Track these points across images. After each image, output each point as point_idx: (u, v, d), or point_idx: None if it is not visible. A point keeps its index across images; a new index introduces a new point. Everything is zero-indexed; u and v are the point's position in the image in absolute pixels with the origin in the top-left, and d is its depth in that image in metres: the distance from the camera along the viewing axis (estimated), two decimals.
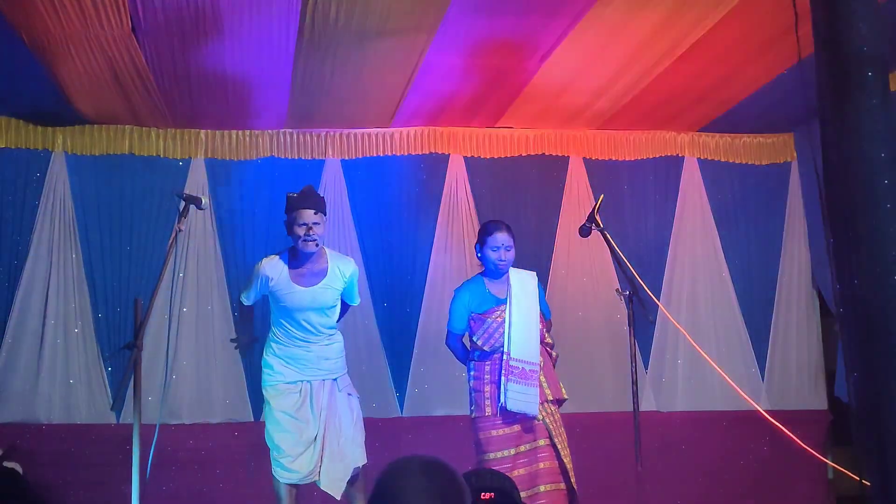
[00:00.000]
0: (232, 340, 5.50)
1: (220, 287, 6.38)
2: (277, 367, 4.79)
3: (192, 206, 4.36)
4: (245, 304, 5.02)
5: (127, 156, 6.37)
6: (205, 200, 4.46)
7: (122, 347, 4.04)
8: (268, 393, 4.79)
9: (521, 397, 4.80)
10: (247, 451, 6.04)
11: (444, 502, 2.10)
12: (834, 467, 6.36)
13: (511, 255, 4.98)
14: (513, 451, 4.84)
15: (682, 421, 6.64)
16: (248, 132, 6.50)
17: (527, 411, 4.80)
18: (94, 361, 6.20)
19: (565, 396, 4.98)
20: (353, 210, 6.58)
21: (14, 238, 6.20)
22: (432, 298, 6.57)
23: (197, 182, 6.43)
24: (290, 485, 4.71)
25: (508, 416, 4.84)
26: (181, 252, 6.33)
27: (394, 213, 6.60)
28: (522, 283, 5.00)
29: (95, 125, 6.32)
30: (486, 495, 2.52)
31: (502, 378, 4.82)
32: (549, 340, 5.04)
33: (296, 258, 4.81)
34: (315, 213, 4.73)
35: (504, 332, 4.88)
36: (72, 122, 6.24)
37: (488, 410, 4.87)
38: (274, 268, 4.79)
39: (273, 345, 4.85)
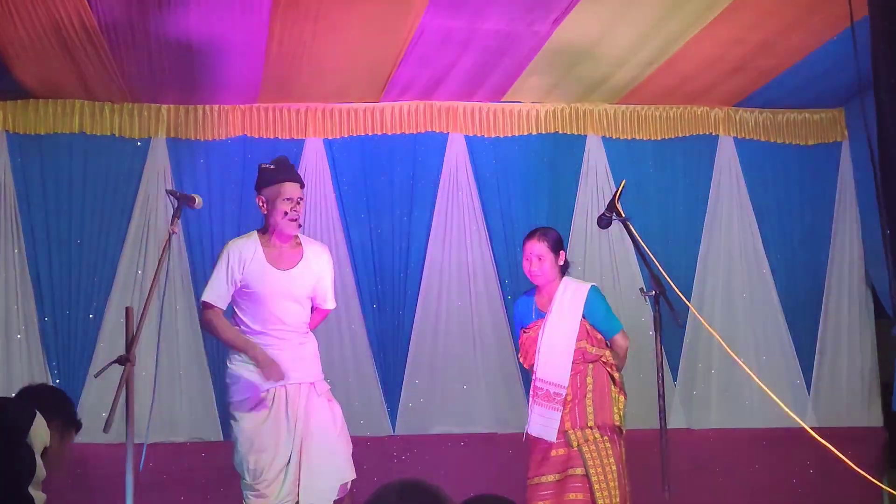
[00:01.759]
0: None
1: (185, 284, 6.37)
2: (246, 377, 4.75)
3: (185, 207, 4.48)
4: (212, 306, 4.82)
5: (77, 135, 6.37)
6: (199, 200, 4.56)
7: (112, 362, 4.12)
8: (235, 409, 4.76)
9: (542, 421, 4.97)
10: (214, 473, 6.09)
11: None
12: (890, 493, 6.37)
13: (544, 265, 5.07)
14: (548, 479, 4.96)
15: (715, 440, 6.66)
16: (216, 107, 6.50)
17: (545, 437, 4.95)
18: (40, 372, 6.19)
19: (617, 423, 5.01)
20: (338, 198, 6.58)
21: None
22: (429, 299, 6.58)
23: (157, 165, 6.43)
24: None
25: (544, 441, 4.98)
26: (139, 246, 6.34)
27: (384, 202, 6.60)
28: (568, 296, 5.08)
29: (40, 100, 6.32)
30: None
31: (530, 400, 5.06)
32: (608, 360, 5.07)
33: (268, 239, 4.83)
34: (301, 188, 4.81)
35: (537, 349, 5.03)
36: (13, 95, 6.24)
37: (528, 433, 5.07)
38: (247, 247, 4.80)
39: (235, 352, 4.82)
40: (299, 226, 4.82)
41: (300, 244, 4.91)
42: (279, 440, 4.67)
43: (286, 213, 4.74)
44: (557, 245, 5.14)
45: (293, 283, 4.82)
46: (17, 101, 6.29)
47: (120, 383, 4.05)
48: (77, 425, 3.78)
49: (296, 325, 4.85)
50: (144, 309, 4.24)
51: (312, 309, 5.01)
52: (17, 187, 6.30)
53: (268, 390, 4.72)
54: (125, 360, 4.10)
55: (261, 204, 4.84)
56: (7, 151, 6.31)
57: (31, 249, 6.28)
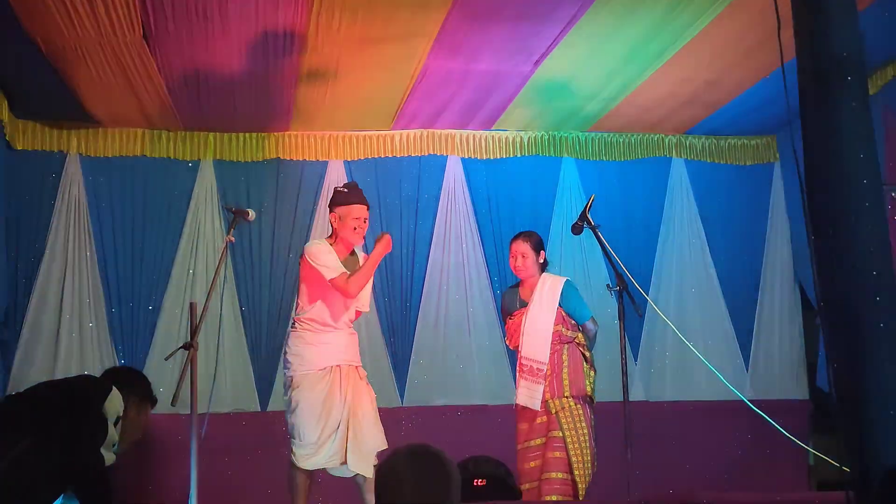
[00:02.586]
0: None
1: (229, 283, 6.36)
2: (308, 356, 4.68)
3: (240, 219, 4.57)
4: (343, 276, 4.60)
5: (139, 158, 6.36)
6: (252, 213, 4.63)
7: (179, 347, 4.17)
8: (296, 381, 4.67)
9: (527, 392, 4.98)
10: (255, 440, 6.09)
11: (430, 487, 2.19)
12: (815, 454, 6.36)
13: (527, 262, 5.06)
14: (535, 443, 4.97)
15: (670, 410, 6.65)
16: (254, 135, 6.49)
17: (531, 406, 4.95)
18: (108, 354, 6.18)
19: (589, 393, 5.01)
20: None
21: (31, 237, 6.18)
22: (430, 293, 6.58)
23: (206, 182, 6.43)
24: (307, 474, 4.63)
25: (531, 410, 4.97)
26: (191, 250, 6.34)
27: (394, 212, 6.59)
28: (546, 288, 5.08)
29: (108, 128, 6.31)
30: (478, 482, 2.55)
31: (517, 375, 5.07)
32: (579, 341, 5.07)
33: (334, 248, 4.75)
34: (367, 209, 4.80)
35: (520, 333, 5.04)
36: (86, 125, 6.23)
37: (516, 405, 5.07)
38: (329, 247, 4.73)
39: (304, 333, 4.73)
40: (363, 239, 4.81)
41: (356, 254, 4.89)
42: (332, 411, 4.62)
43: (355, 229, 4.72)
44: (538, 245, 5.13)
45: None
46: (89, 129, 6.28)
47: (184, 364, 4.09)
48: (153, 400, 3.78)
49: (349, 320, 4.83)
50: (206, 304, 4.27)
51: None
52: (89, 201, 6.29)
53: (325, 367, 4.67)
54: (189, 345, 4.15)
55: (333, 219, 4.77)
56: (81, 171, 6.30)
57: (100, 253, 6.27)
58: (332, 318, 4.74)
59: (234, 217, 4.57)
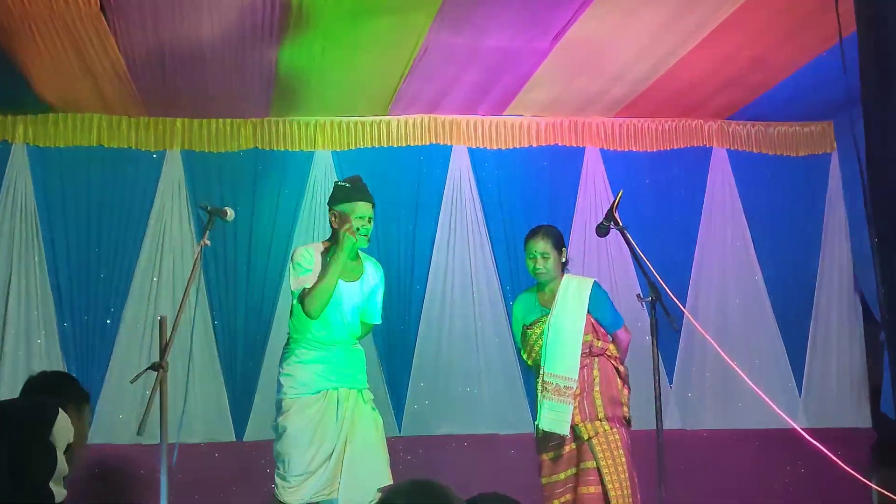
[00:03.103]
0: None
1: (200, 294, 6.37)
2: (300, 377, 4.72)
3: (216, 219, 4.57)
4: (306, 287, 4.65)
5: (95, 147, 6.38)
6: (230, 212, 4.65)
7: (146, 368, 4.16)
8: (286, 405, 4.70)
9: (553, 416, 4.86)
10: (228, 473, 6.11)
11: None
12: (879, 492, 6.35)
13: (549, 263, 5.02)
14: (562, 476, 4.92)
15: (710, 440, 6.65)
16: (228, 121, 6.51)
17: (558, 430, 4.85)
18: None
19: (626, 415, 4.98)
20: None
21: None
22: (433, 304, 6.58)
23: (173, 176, 6.45)
24: None
25: (556, 437, 4.90)
26: (155, 254, 6.36)
27: (390, 211, 6.60)
28: (571, 291, 5.03)
29: (60, 113, 6.33)
30: None
31: (538, 395, 4.93)
32: (611, 353, 5.04)
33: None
34: (372, 207, 4.82)
35: (543, 344, 4.96)
36: (34, 110, 6.25)
37: (538, 431, 4.96)
38: (316, 253, 4.76)
39: (297, 351, 4.77)
40: (368, 241, 4.83)
41: (361, 260, 4.91)
42: (324, 439, 4.65)
43: (358, 230, 4.75)
44: (560, 242, 5.09)
45: (353, 295, 4.81)
46: (38, 115, 6.31)
47: (153, 388, 4.09)
48: (86, 398, 3.69)
49: (349, 334, 4.83)
50: (177, 318, 4.27)
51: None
52: (38, 198, 6.31)
53: (320, 391, 4.70)
54: (158, 366, 4.13)
55: (332, 219, 4.81)
56: (28, 164, 6.32)
57: (50, 257, 6.29)
58: (329, 332, 4.74)
59: (209, 217, 4.57)
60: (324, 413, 4.67)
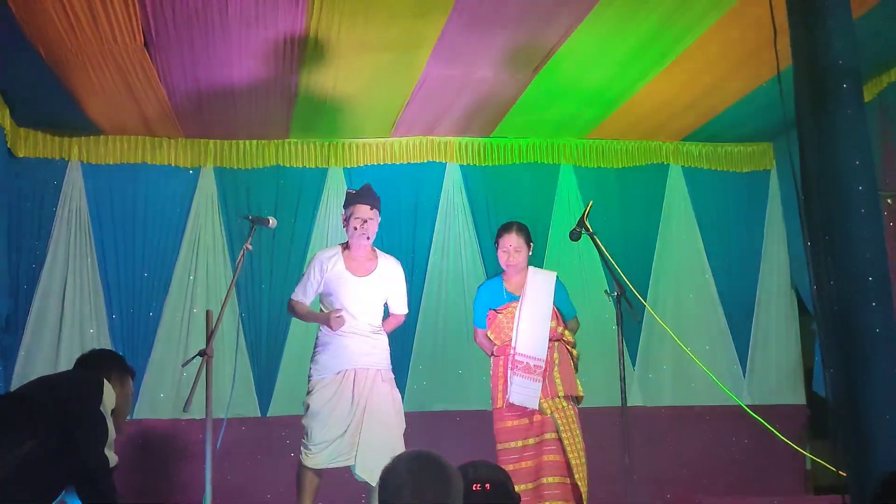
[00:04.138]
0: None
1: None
2: (323, 360, 4.82)
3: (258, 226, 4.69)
4: (298, 301, 4.93)
5: (140, 164, 6.37)
6: (273, 221, 4.75)
7: (195, 355, 4.22)
8: (311, 386, 4.82)
9: (523, 391, 4.82)
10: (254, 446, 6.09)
11: (431, 492, 2.25)
12: (812, 459, 6.36)
13: (520, 256, 5.00)
14: (520, 443, 4.86)
15: (667, 415, 6.64)
16: (254, 142, 6.50)
17: (527, 405, 4.82)
18: None
19: (581, 393, 4.96)
20: None
21: (33, 244, 6.17)
22: (430, 298, 6.57)
23: (206, 189, 6.44)
24: (314, 473, 4.73)
25: (517, 409, 4.86)
26: (191, 256, 6.35)
27: (393, 219, 6.58)
28: (539, 282, 5.00)
29: (110, 135, 6.32)
30: (477, 487, 2.56)
31: (509, 372, 4.87)
32: (568, 339, 5.02)
33: (348, 252, 4.91)
34: (370, 209, 4.85)
35: (514, 327, 4.90)
36: (87, 132, 6.24)
37: (499, 403, 4.91)
38: (329, 256, 4.89)
39: (322, 336, 4.87)
40: (368, 239, 4.86)
41: (376, 257, 4.95)
42: (340, 413, 4.71)
43: (356, 229, 4.80)
44: (529, 238, 5.07)
45: (368, 290, 4.86)
46: (90, 136, 6.28)
47: (199, 371, 4.16)
48: (129, 371, 3.65)
49: (367, 322, 4.86)
50: (221, 311, 4.35)
51: (388, 314, 5.05)
52: (90, 208, 6.29)
53: (338, 372, 4.77)
54: (204, 353, 4.20)
55: (343, 221, 4.91)
56: (82, 178, 6.30)
57: (101, 259, 6.27)
58: (346, 322, 4.78)
59: (252, 225, 4.64)
60: (341, 391, 4.73)
